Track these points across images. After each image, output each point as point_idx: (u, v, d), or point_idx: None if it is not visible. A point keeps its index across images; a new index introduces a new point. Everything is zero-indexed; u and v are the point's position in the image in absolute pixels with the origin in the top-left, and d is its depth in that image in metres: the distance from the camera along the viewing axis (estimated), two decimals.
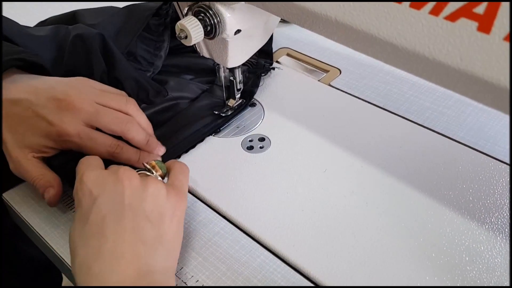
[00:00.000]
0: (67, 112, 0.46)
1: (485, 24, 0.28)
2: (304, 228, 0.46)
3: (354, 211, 0.47)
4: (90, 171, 0.41)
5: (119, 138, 0.48)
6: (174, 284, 0.39)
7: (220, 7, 0.44)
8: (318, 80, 0.65)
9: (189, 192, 0.50)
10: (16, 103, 0.46)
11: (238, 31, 0.46)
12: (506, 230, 0.45)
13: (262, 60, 0.65)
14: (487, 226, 0.45)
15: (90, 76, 0.52)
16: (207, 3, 0.44)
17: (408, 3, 0.31)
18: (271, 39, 0.63)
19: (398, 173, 0.50)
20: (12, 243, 0.65)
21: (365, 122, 0.57)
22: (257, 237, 0.45)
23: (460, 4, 0.29)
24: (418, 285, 0.41)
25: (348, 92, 0.62)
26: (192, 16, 0.44)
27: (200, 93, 0.61)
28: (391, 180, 0.50)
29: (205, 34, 0.45)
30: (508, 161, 0.51)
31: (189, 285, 0.42)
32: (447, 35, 0.30)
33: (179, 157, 0.53)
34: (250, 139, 0.56)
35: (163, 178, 0.45)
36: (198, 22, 0.44)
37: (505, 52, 0.28)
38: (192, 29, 0.44)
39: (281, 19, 0.43)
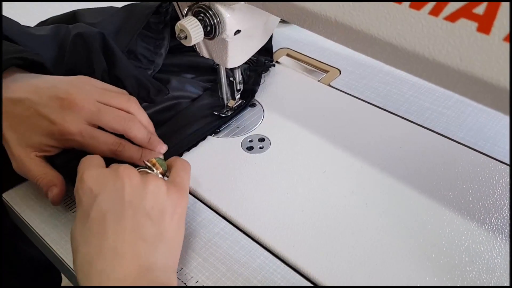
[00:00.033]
0: (69, 111, 0.46)
1: (485, 25, 0.28)
2: (304, 228, 0.46)
3: (354, 211, 0.47)
4: (90, 170, 0.41)
5: (121, 136, 0.48)
6: (176, 282, 0.39)
7: (220, 7, 0.44)
8: (318, 81, 0.65)
9: (189, 192, 0.50)
10: (17, 102, 0.46)
11: (238, 31, 0.46)
12: (506, 230, 0.45)
13: (263, 58, 0.64)
14: (487, 227, 0.45)
15: (91, 74, 0.52)
16: (207, 3, 0.44)
17: (408, 3, 0.31)
18: (271, 36, 0.63)
19: (398, 174, 0.51)
20: (12, 243, 0.65)
21: (365, 123, 0.57)
22: (257, 238, 0.45)
23: (460, 4, 0.29)
24: (418, 285, 0.41)
25: (347, 92, 0.62)
26: (192, 17, 0.44)
27: (202, 92, 0.61)
28: (391, 181, 0.50)
29: (205, 35, 0.45)
30: (507, 161, 0.51)
31: (189, 285, 0.42)
32: (446, 36, 0.30)
33: (180, 155, 0.53)
34: (250, 139, 0.56)
35: (163, 175, 0.45)
36: (198, 23, 0.44)
37: (505, 53, 0.28)
38: (192, 29, 0.44)
39: (281, 19, 0.43)
